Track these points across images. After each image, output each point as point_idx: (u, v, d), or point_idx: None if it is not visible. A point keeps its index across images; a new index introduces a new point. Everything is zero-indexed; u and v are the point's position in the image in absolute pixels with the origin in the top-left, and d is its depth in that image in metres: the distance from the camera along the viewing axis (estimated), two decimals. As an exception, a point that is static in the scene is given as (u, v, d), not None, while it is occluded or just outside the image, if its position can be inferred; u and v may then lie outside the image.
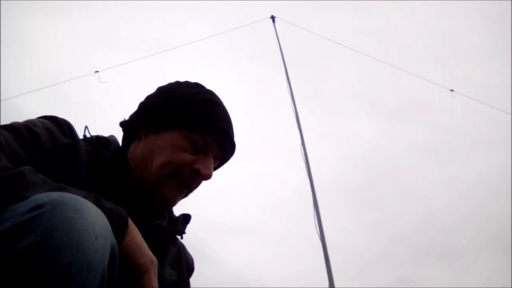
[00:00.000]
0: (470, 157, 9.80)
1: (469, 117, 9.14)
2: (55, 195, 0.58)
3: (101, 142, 0.96)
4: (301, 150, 4.41)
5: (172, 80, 1.06)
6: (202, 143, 0.94)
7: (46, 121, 0.87)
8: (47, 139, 0.83)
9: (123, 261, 0.69)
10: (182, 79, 1.07)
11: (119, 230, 0.68)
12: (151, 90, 1.06)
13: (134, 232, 0.72)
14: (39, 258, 0.52)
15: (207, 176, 0.95)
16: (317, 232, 3.67)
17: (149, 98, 1.03)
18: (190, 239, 1.08)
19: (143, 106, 1.01)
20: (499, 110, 6.56)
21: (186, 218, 1.03)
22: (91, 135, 0.99)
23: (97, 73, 5.88)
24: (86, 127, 1.00)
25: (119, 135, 1.04)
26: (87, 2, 9.87)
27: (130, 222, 0.72)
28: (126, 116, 1.02)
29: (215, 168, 1.04)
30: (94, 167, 0.89)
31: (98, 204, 0.65)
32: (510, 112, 6.27)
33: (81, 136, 0.96)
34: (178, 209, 1.07)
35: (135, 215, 0.78)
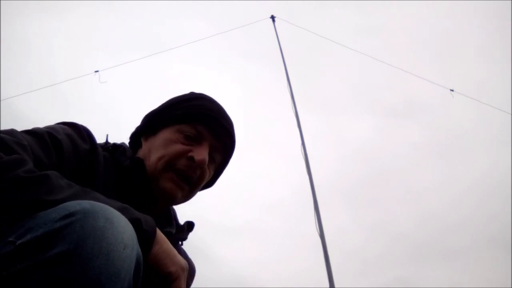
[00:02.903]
0: (470, 157, 9.81)
1: (469, 117, 9.14)
2: (86, 203, 0.59)
3: (118, 150, 0.98)
4: (301, 150, 4.41)
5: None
6: (194, 132, 0.98)
7: (66, 127, 0.90)
8: (68, 145, 0.85)
9: (151, 269, 0.69)
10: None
11: (147, 239, 0.68)
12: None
13: (162, 241, 0.72)
14: (71, 266, 0.52)
15: (201, 162, 0.96)
16: (317, 232, 3.67)
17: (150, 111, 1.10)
18: (189, 239, 1.09)
19: (144, 117, 1.08)
20: (499, 110, 6.57)
21: (190, 225, 1.06)
22: (108, 142, 1.01)
23: (97, 73, 5.88)
24: (107, 135, 1.03)
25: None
26: (87, 2, 9.87)
27: (158, 231, 0.72)
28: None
29: (221, 164, 1.08)
30: (113, 173, 0.92)
31: (126, 212, 0.65)
32: (510, 112, 6.27)
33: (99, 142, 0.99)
34: (183, 216, 1.08)
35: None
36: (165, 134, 0.99)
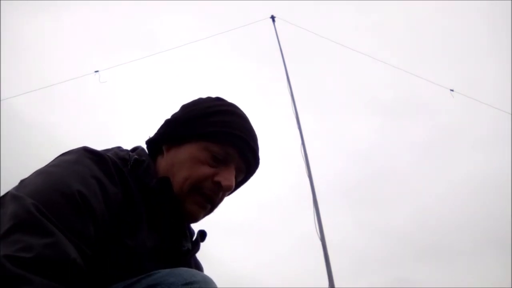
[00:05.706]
0: (470, 157, 9.81)
1: (469, 117, 9.15)
2: (200, 275, 0.74)
3: (141, 166, 0.91)
4: (301, 150, 4.41)
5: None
6: (223, 153, 0.93)
7: (92, 164, 0.79)
8: (99, 198, 0.76)
9: None
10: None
11: None
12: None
13: None
14: None
15: (228, 188, 0.93)
16: (317, 232, 3.66)
17: (172, 115, 1.04)
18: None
19: (165, 122, 1.02)
20: (499, 110, 6.57)
21: (202, 234, 1.02)
22: (130, 154, 0.94)
23: (97, 73, 5.88)
24: (128, 152, 0.96)
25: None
26: (88, 1, 9.87)
27: None
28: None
29: (240, 182, 1.04)
30: (139, 195, 0.86)
31: None
32: (510, 112, 6.28)
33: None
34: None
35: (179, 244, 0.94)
36: (192, 150, 0.93)
